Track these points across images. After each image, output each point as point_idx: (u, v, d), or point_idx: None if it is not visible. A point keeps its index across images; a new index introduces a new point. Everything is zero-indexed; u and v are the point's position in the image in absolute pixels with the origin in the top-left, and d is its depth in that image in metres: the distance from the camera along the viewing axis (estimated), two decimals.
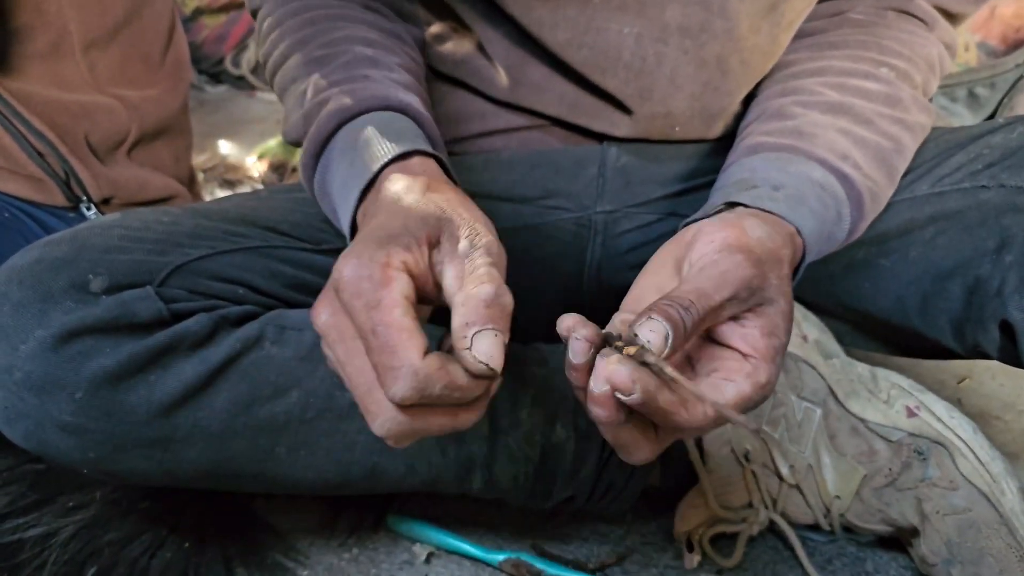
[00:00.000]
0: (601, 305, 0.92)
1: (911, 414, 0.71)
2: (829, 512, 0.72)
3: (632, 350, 0.44)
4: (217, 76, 2.43)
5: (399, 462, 0.70)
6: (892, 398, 0.72)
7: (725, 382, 0.48)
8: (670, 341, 0.45)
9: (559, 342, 0.79)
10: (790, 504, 0.73)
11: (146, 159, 1.05)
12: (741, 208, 0.60)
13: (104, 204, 0.99)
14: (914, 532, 0.70)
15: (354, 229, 0.59)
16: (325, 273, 0.73)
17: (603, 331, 0.48)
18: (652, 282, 0.56)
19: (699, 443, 0.74)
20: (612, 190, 0.84)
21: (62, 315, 0.60)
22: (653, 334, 0.45)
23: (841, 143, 0.66)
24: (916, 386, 0.73)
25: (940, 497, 0.67)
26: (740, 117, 0.82)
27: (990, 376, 1.05)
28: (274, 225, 0.73)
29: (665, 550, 0.78)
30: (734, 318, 0.51)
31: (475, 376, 0.45)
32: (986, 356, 0.67)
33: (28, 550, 0.74)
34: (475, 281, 0.46)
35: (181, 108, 1.11)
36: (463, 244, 0.49)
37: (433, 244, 0.50)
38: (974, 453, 0.67)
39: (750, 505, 0.74)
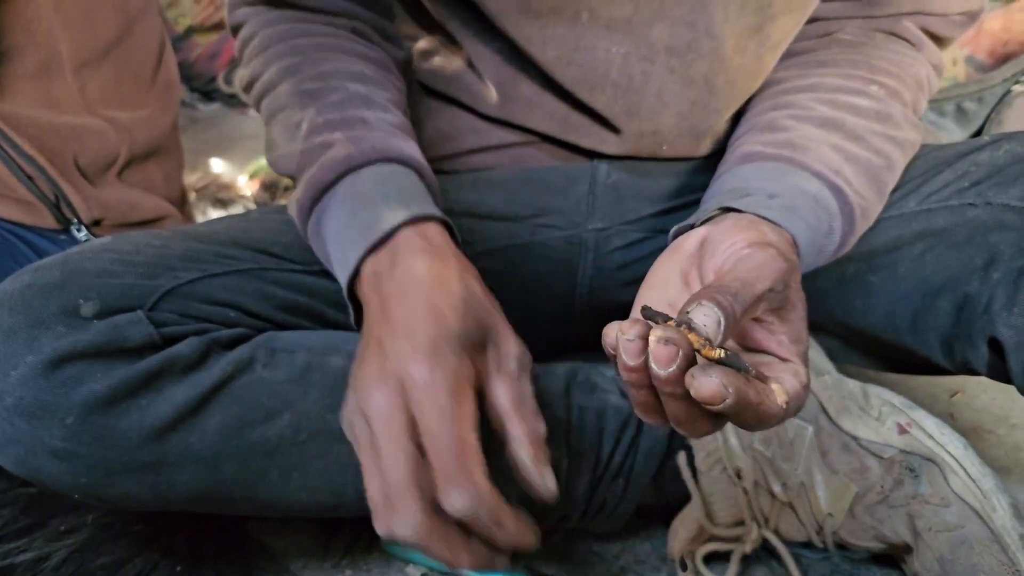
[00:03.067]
0: (593, 323, 0.93)
1: (902, 431, 0.71)
2: (822, 529, 0.72)
3: (695, 339, 0.44)
4: (209, 94, 2.44)
5: None
6: (883, 415, 0.73)
7: (781, 378, 0.49)
8: (722, 327, 0.45)
9: (551, 360, 0.79)
10: (783, 522, 0.73)
11: (137, 180, 1.05)
12: (735, 214, 0.61)
13: (95, 226, 0.99)
14: (907, 549, 0.70)
15: (351, 284, 0.61)
16: (316, 294, 0.74)
17: (646, 311, 0.47)
18: (659, 296, 0.57)
19: (691, 461, 0.74)
20: (603, 208, 0.84)
21: (53, 340, 0.60)
22: (707, 319, 0.44)
23: (833, 158, 0.66)
24: (907, 403, 0.73)
25: (932, 514, 0.67)
26: (727, 135, 0.82)
27: (982, 390, 1.06)
28: (265, 247, 0.73)
29: (659, 569, 0.78)
30: (760, 321, 0.52)
31: (540, 498, 0.52)
32: (975, 372, 0.68)
33: (19, 575, 0.74)
34: (532, 415, 0.54)
35: (171, 128, 1.11)
36: (513, 365, 0.55)
37: (479, 348, 0.55)
38: (965, 470, 0.68)
39: (743, 523, 0.74)
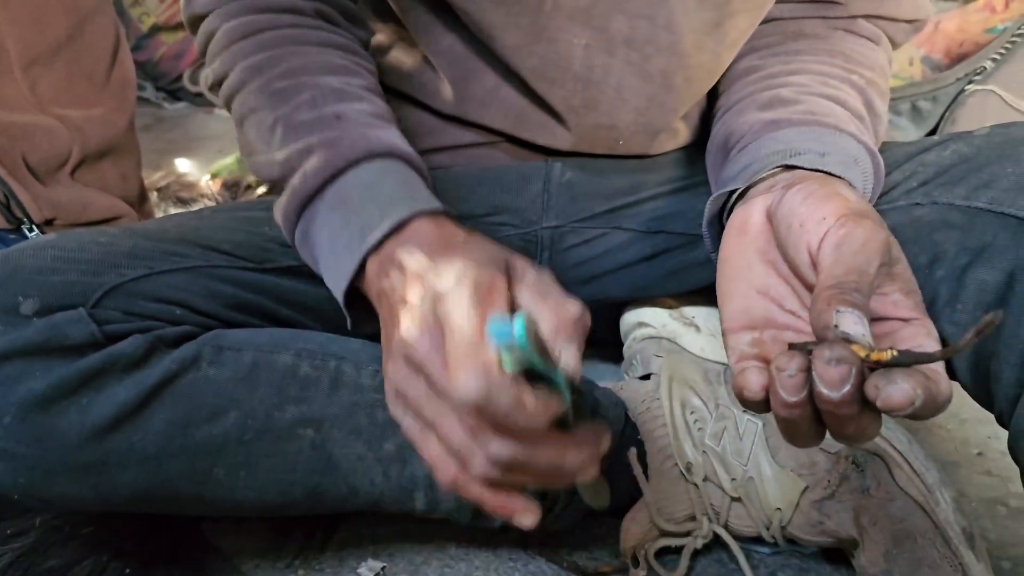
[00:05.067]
0: None
1: None
2: (771, 524, 0.72)
3: (860, 349, 0.42)
4: (175, 93, 2.42)
5: (341, 483, 0.69)
6: None
7: (919, 344, 0.45)
8: (867, 328, 0.43)
9: None
10: (733, 517, 0.74)
11: (92, 179, 1.04)
12: (795, 177, 0.58)
13: (47, 225, 0.98)
14: (854, 543, 0.70)
15: (350, 291, 0.59)
16: (267, 292, 0.73)
17: (794, 345, 0.45)
18: (747, 286, 0.54)
19: (642, 457, 0.74)
20: (557, 205, 0.84)
21: None
22: (858, 326, 0.43)
23: (853, 127, 0.65)
24: None
25: (877, 508, 0.68)
26: (679, 135, 0.83)
27: None
28: (216, 244, 0.72)
29: (612, 565, 0.78)
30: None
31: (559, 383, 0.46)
32: None
33: None
34: (559, 298, 0.48)
35: (127, 127, 1.10)
36: (532, 274, 0.51)
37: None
38: (909, 464, 0.68)
39: (694, 518, 0.75)
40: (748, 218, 0.57)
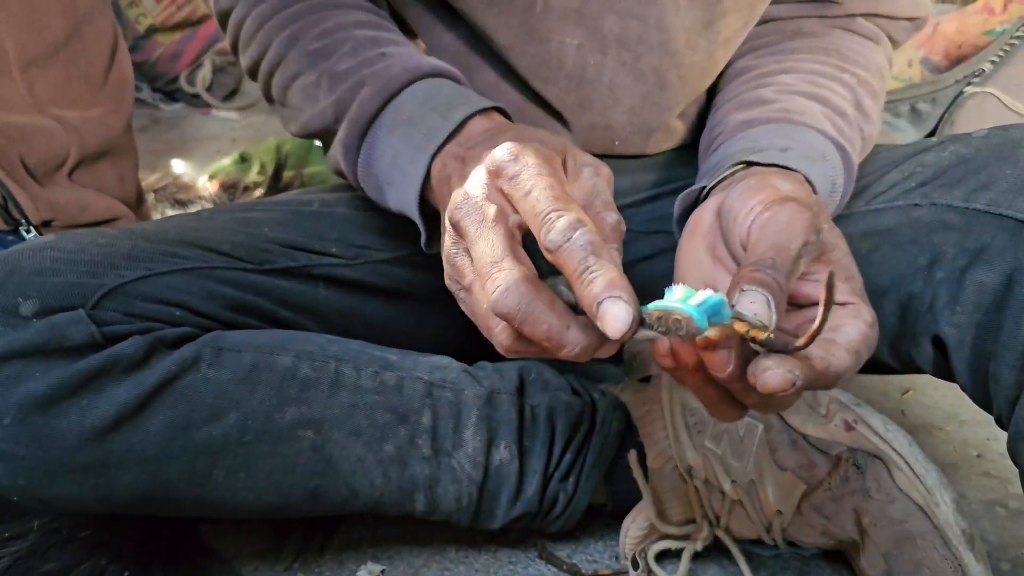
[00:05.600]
0: None
1: (849, 428, 0.71)
2: (772, 527, 0.72)
3: (741, 326, 0.43)
4: (171, 94, 2.41)
5: (340, 485, 0.69)
6: (832, 412, 0.73)
7: (840, 328, 0.47)
8: (773, 307, 0.44)
9: (503, 360, 0.79)
10: (734, 519, 0.74)
11: (89, 180, 1.03)
12: (745, 174, 0.59)
13: (44, 227, 0.98)
14: (854, 545, 0.70)
15: (423, 197, 0.60)
16: (266, 293, 0.73)
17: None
18: (695, 280, 0.56)
19: (642, 460, 0.74)
20: None
21: None
22: (755, 305, 0.44)
23: (828, 124, 0.66)
24: (854, 400, 0.74)
25: (877, 510, 0.68)
26: (678, 133, 0.83)
27: (933, 387, 1.07)
28: (214, 246, 0.72)
29: (611, 568, 0.78)
30: (806, 275, 0.50)
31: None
32: (921, 371, 0.68)
33: None
34: (601, 209, 0.49)
35: (125, 128, 1.10)
36: (588, 171, 0.51)
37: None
38: (909, 465, 0.68)
39: (694, 521, 0.75)
40: (701, 216, 0.58)
